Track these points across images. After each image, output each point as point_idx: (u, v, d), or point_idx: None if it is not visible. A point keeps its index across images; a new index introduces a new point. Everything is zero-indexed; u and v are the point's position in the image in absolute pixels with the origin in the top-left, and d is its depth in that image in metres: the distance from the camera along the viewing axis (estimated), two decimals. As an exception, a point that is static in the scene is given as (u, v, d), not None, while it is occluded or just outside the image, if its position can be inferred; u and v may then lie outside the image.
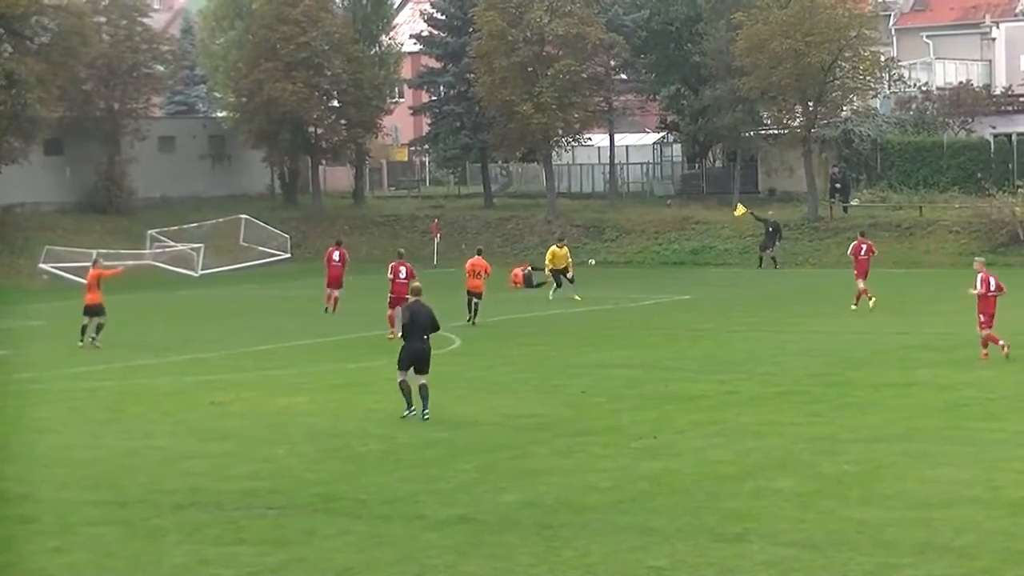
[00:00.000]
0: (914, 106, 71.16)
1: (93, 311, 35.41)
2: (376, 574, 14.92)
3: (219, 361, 33.12)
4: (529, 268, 54.58)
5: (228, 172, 79.88)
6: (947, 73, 74.16)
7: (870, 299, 40.91)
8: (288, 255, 67.40)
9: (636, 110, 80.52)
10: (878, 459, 19.94)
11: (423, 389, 23.73)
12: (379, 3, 78.25)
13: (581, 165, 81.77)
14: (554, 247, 47.11)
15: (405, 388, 23.91)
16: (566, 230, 65.46)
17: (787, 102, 65.87)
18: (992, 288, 30.32)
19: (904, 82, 69.24)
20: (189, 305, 50.72)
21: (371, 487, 18.73)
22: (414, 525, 16.71)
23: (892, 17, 78.12)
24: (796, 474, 19.09)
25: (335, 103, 74.55)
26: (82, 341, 35.28)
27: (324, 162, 77.64)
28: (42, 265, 60.37)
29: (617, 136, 77.39)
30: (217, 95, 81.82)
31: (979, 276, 30.61)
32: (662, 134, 80.00)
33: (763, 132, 70.88)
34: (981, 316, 30.37)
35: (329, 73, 72.33)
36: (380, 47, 77.84)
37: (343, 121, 74.31)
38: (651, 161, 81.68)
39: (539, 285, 50.47)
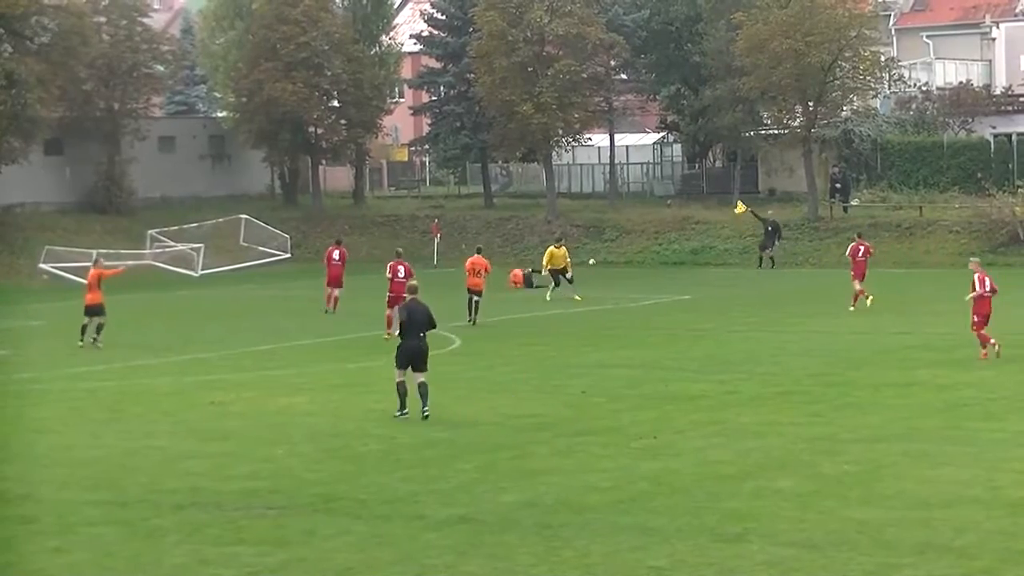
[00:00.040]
0: (914, 106, 71.17)
1: (93, 311, 35.41)
2: (376, 574, 14.92)
3: (219, 361, 33.12)
4: (530, 270, 54.61)
5: (228, 172, 79.90)
6: (947, 73, 74.18)
7: (867, 298, 40.98)
8: (288, 255, 67.41)
9: (636, 110, 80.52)
10: (878, 459, 19.94)
11: (422, 387, 23.74)
12: (379, 3, 78.26)
13: (581, 165, 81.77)
14: (552, 247, 47.11)
15: (402, 390, 23.92)
16: (566, 230, 65.52)
17: (787, 102, 65.88)
18: (988, 288, 30.34)
19: (904, 82, 69.26)
20: (189, 305, 50.72)
21: (371, 487, 18.73)
22: (414, 525, 16.70)
23: (892, 17, 78.14)
24: (796, 474, 19.08)
25: (335, 103, 74.57)
26: (82, 341, 35.29)
27: (324, 162, 77.66)
28: (42, 265, 60.36)
29: (617, 136, 77.39)
30: (217, 95, 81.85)
31: (976, 276, 30.60)
32: (662, 134, 80.00)
33: (763, 132, 70.90)
34: (975, 316, 30.38)
35: (329, 73, 72.35)
36: (380, 47, 77.86)
37: (343, 121, 74.34)
38: (651, 161, 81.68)
39: (540, 286, 50.50)
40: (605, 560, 15.09)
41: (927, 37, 76.84)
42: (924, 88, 71.61)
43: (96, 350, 34.61)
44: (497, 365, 31.36)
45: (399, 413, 23.87)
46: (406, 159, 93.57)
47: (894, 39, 77.33)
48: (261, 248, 67.42)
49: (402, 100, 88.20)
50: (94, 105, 71.32)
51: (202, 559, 15.45)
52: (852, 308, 40.90)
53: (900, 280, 52.01)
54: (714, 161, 79.98)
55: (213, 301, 51.93)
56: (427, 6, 79.88)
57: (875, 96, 69.46)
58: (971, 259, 33.13)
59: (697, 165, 79.91)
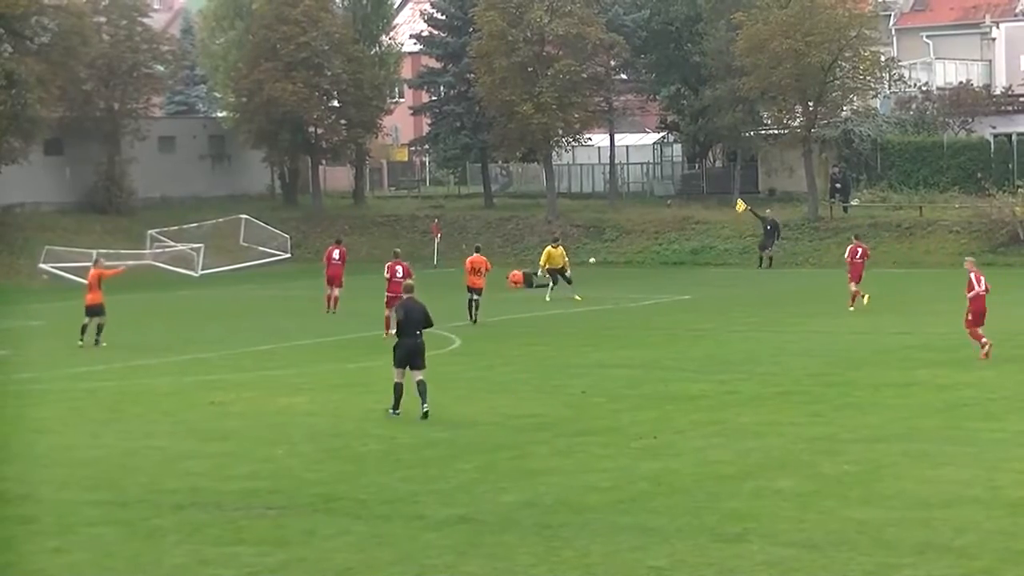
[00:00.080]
0: (914, 106, 71.18)
1: (94, 311, 35.42)
2: (376, 574, 14.92)
3: (219, 361, 33.12)
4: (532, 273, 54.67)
5: (228, 172, 79.92)
6: (947, 73, 74.19)
7: (864, 297, 41.04)
8: (288, 255, 67.45)
9: (636, 110, 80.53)
10: (878, 459, 19.93)
11: (420, 385, 23.75)
12: (379, 3, 78.29)
13: (581, 165, 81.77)
14: (549, 247, 47.12)
15: (398, 391, 23.96)
16: (566, 230, 65.59)
17: (787, 102, 65.89)
18: (983, 287, 30.37)
19: (904, 82, 69.29)
20: (189, 305, 50.74)
21: (371, 487, 18.73)
22: (414, 525, 16.70)
23: (892, 17, 78.15)
24: (796, 474, 19.08)
25: (335, 103, 74.60)
26: (82, 341, 35.29)
27: (324, 162, 77.68)
28: (42, 265, 60.38)
29: (617, 136, 77.39)
30: (217, 95, 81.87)
31: (972, 275, 30.60)
32: (662, 134, 80.00)
33: (763, 132, 70.91)
34: (970, 315, 30.40)
35: (329, 73, 72.37)
36: (380, 47, 77.89)
37: (343, 121, 74.36)
38: (651, 161, 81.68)
39: (540, 285, 50.50)
40: (605, 560, 15.09)
41: (927, 37, 76.85)
42: (924, 88, 71.63)
43: (96, 350, 34.62)
44: (497, 365, 31.35)
45: (392, 412, 23.93)
46: (406, 159, 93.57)
47: (894, 39, 77.34)
48: (261, 248, 67.46)
49: (402, 100, 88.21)
50: (94, 105, 71.35)
51: (202, 559, 15.45)
52: (851, 308, 40.92)
53: (900, 280, 52.03)
54: (714, 161, 79.98)
55: (213, 301, 51.94)
56: (427, 6, 79.89)
57: (875, 96, 69.47)
58: (966, 258, 33.18)
59: (697, 165, 79.91)
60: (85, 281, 37.63)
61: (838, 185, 66.64)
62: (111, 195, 71.40)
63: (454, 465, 20.08)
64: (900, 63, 70.62)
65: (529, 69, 67.94)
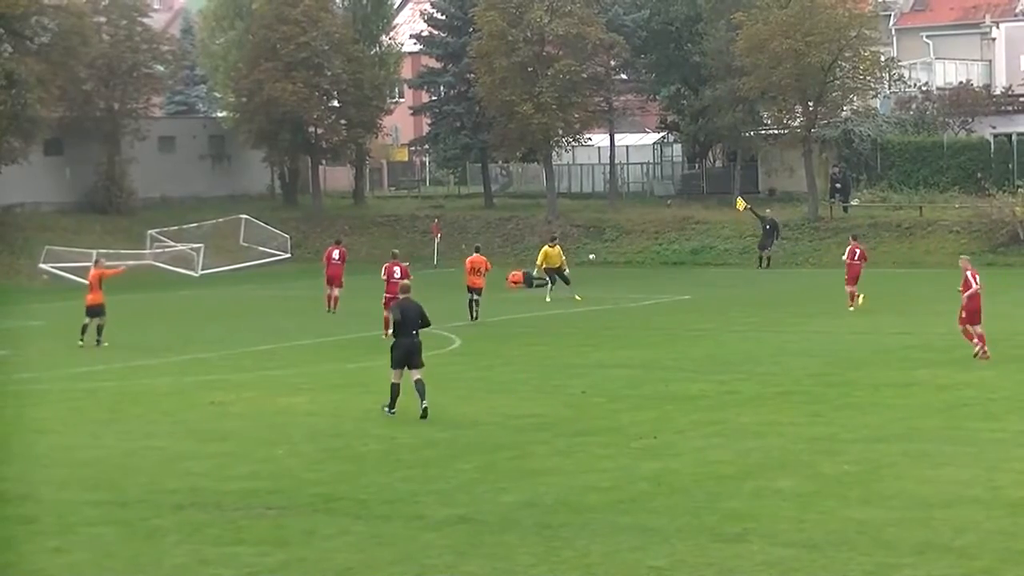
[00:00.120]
0: (914, 106, 71.18)
1: (95, 311, 35.43)
2: (376, 574, 14.92)
3: (219, 361, 33.12)
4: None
5: (228, 172, 79.92)
6: (947, 73, 74.19)
7: (859, 297, 41.07)
8: (288, 255, 67.45)
9: (636, 110, 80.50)
10: (878, 459, 19.93)
11: (418, 384, 23.76)
12: (379, 3, 78.27)
13: (581, 165, 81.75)
14: (546, 247, 47.12)
15: (395, 391, 24.00)
16: (566, 230, 65.60)
17: (787, 102, 65.89)
18: (978, 285, 30.40)
19: (904, 82, 69.29)
20: (189, 305, 50.74)
21: (371, 487, 18.73)
22: (414, 525, 16.70)
23: (892, 17, 78.14)
24: (796, 474, 19.08)
25: (335, 103, 74.57)
26: (82, 340, 35.30)
27: (324, 162, 77.67)
28: (42, 265, 60.38)
29: (617, 136, 77.37)
30: (217, 95, 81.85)
31: (968, 273, 30.60)
32: (662, 134, 79.98)
33: (763, 132, 70.90)
34: (964, 312, 30.41)
35: (329, 73, 72.35)
36: (380, 47, 77.87)
37: (343, 121, 74.32)
38: (651, 161, 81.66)
39: (540, 285, 50.52)
40: (605, 560, 15.09)
41: (927, 37, 76.86)
42: (924, 88, 71.62)
43: (96, 350, 34.63)
44: (497, 365, 31.35)
45: (388, 411, 23.95)
46: (406, 159, 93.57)
47: (894, 39, 77.34)
48: (261, 248, 67.46)
49: (402, 100, 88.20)
50: (94, 105, 71.33)
51: (202, 559, 15.45)
52: (851, 308, 40.93)
53: (900, 280, 52.03)
54: (714, 161, 79.97)
55: (213, 301, 51.95)
56: (427, 6, 79.88)
57: (875, 96, 69.46)
58: (961, 256, 33.23)
59: (697, 165, 79.89)
60: (85, 281, 37.66)
61: (838, 185, 66.63)
62: (111, 195, 71.39)
63: (454, 465, 20.08)
64: (900, 63, 70.62)
65: (529, 69, 67.93)
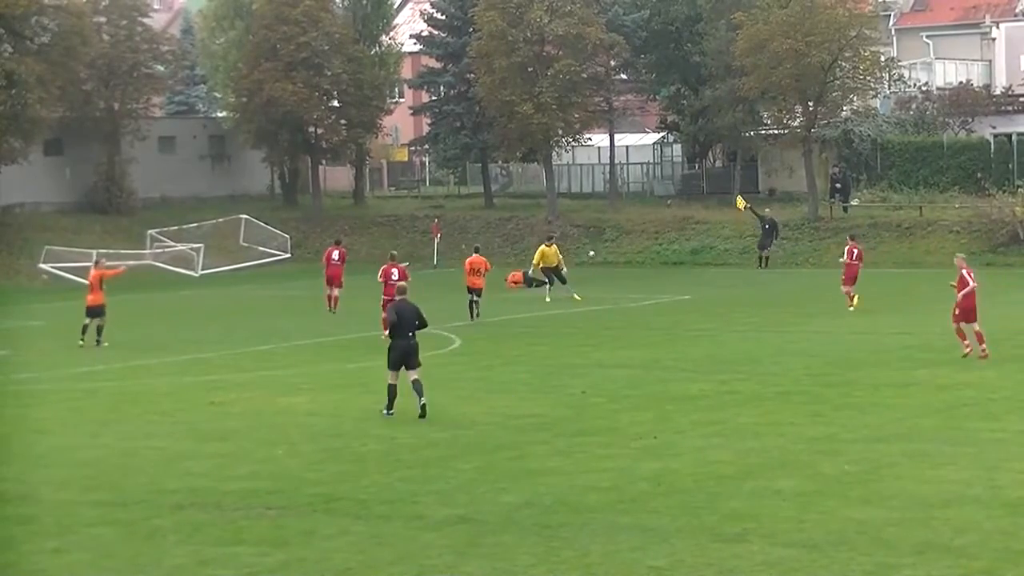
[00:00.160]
0: (914, 106, 71.16)
1: (95, 312, 35.45)
2: (376, 574, 14.92)
3: (219, 361, 33.12)
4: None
5: (228, 172, 79.93)
6: (947, 73, 74.17)
7: (854, 297, 41.10)
8: (288, 255, 67.46)
9: (636, 110, 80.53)
10: (878, 459, 19.93)
11: (416, 384, 23.77)
12: (379, 3, 78.26)
13: (581, 165, 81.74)
14: (543, 246, 47.11)
15: (392, 393, 24.02)
16: (566, 230, 65.60)
17: (787, 102, 65.87)
18: (974, 283, 30.38)
19: (904, 82, 69.30)
20: (189, 305, 50.75)
21: (371, 487, 18.73)
22: (414, 525, 16.70)
23: (892, 17, 78.13)
24: (796, 474, 19.08)
25: (335, 103, 74.57)
26: (82, 340, 35.31)
27: (324, 162, 77.66)
28: (42, 265, 60.40)
29: (617, 136, 77.36)
30: (217, 95, 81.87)
31: (963, 271, 30.58)
32: (662, 134, 79.97)
33: (763, 132, 70.90)
34: (957, 309, 30.40)
35: (329, 73, 72.36)
36: (380, 47, 77.89)
37: (343, 121, 74.31)
38: (651, 161, 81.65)
39: (540, 285, 50.50)
40: (605, 560, 15.09)
41: (927, 37, 76.84)
42: (924, 88, 71.61)
43: (96, 350, 34.65)
44: (497, 365, 31.33)
45: (386, 413, 23.97)
46: (406, 159, 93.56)
47: (894, 39, 77.31)
48: (261, 248, 67.48)
49: (402, 100, 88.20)
50: (94, 105, 71.36)
51: (202, 559, 15.45)
52: (851, 308, 40.93)
53: (900, 280, 52.01)
54: (714, 161, 79.95)
55: (213, 301, 51.95)
56: (427, 6, 79.87)
57: (875, 96, 69.45)
58: (957, 255, 33.25)
59: (697, 165, 79.87)
60: (85, 281, 37.65)
61: (838, 185, 66.61)
62: (111, 195, 71.41)
63: (454, 465, 20.08)
64: (900, 63, 70.60)
65: (529, 69, 67.93)
